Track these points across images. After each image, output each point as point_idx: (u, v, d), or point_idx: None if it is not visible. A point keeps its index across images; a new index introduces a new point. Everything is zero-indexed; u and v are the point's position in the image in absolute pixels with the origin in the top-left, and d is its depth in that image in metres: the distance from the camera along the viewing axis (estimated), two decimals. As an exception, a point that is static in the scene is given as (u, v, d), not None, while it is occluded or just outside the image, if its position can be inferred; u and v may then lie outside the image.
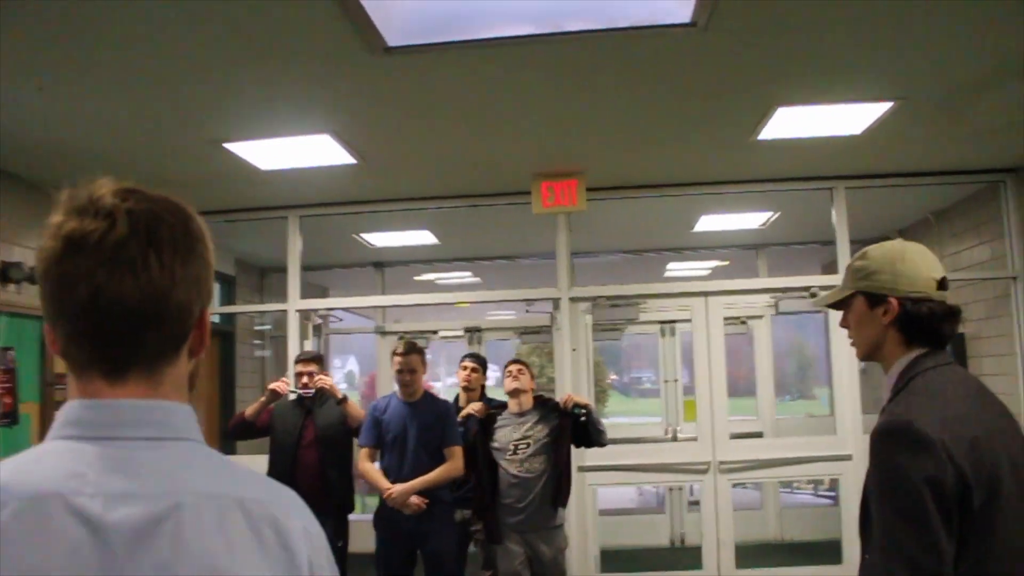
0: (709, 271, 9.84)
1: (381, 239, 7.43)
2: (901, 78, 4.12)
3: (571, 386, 5.79)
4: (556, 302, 6.15)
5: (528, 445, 4.53)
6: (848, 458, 5.79)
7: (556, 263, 6.13)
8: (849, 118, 4.65)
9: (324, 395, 4.91)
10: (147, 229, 0.89)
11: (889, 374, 1.83)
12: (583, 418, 4.49)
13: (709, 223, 7.25)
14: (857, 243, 6.97)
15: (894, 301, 1.80)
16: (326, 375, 5.01)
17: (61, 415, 0.90)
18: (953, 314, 1.81)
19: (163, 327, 0.91)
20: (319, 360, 5.03)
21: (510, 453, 4.56)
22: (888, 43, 3.68)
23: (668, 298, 6.22)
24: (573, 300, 6.06)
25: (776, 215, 7.02)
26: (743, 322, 8.33)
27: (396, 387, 4.72)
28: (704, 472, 5.85)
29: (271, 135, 4.67)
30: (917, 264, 1.83)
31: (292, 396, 4.90)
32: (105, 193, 0.90)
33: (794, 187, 6.02)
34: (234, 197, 5.99)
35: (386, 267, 8.40)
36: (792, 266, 8.57)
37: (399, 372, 4.61)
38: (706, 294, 6.07)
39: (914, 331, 1.80)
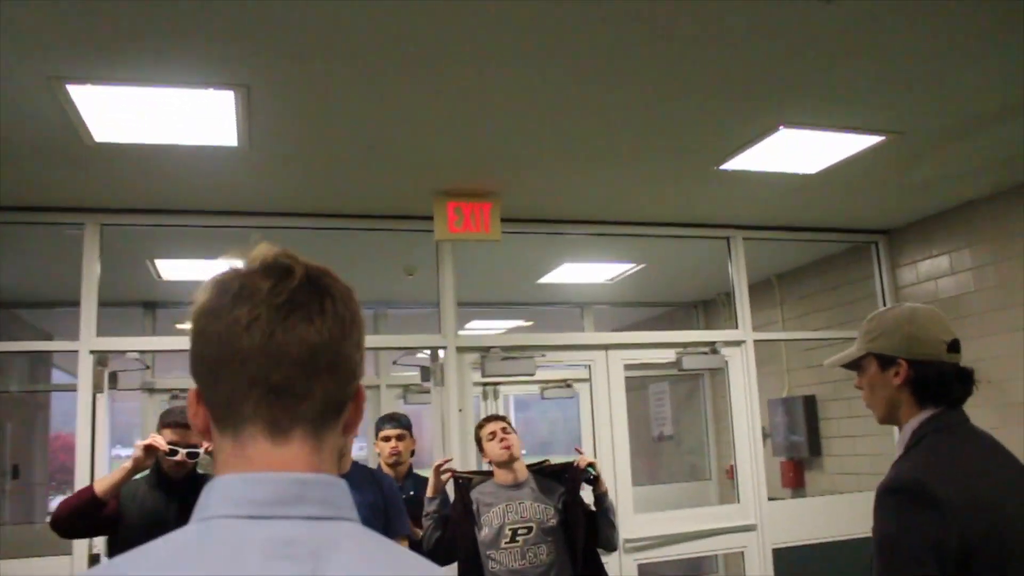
0: (505, 331, 9.18)
1: (178, 268, 5.78)
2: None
3: (459, 457, 4.71)
4: (435, 352, 5.06)
5: (530, 529, 3.42)
6: (752, 528, 5.32)
7: (440, 304, 5.07)
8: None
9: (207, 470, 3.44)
10: (320, 280, 0.88)
11: (902, 433, 1.87)
12: (593, 483, 3.51)
13: (561, 274, 6.60)
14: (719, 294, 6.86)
15: (904, 364, 1.85)
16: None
17: (218, 490, 0.83)
18: (965, 375, 1.86)
19: (332, 378, 0.86)
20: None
21: (507, 541, 3.42)
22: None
23: (568, 351, 5.40)
24: (461, 350, 5.01)
25: (638, 267, 6.56)
26: (568, 385, 7.75)
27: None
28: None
29: (138, 80, 3.18)
30: (927, 327, 1.88)
31: (174, 456, 3.29)
32: (271, 253, 0.88)
33: (693, 233, 5.57)
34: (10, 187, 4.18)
35: (164, 308, 6.61)
36: (616, 325, 8.21)
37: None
38: (607, 347, 5.35)
39: (925, 393, 1.85)
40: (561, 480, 3.58)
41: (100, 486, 3.13)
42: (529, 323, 8.51)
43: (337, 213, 4.92)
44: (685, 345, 5.45)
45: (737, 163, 4.34)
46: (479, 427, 3.73)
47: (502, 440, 3.57)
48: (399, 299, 6.94)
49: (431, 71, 3.18)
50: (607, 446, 5.19)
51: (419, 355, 5.50)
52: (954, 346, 1.87)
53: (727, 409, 5.41)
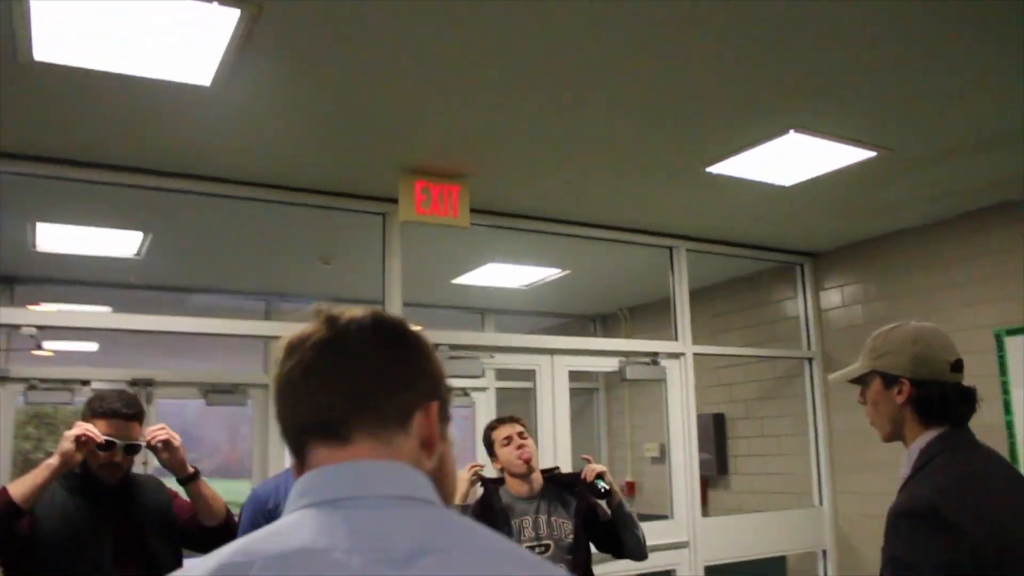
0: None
1: (61, 236, 4.90)
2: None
3: None
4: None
5: (548, 548, 3.02)
6: (685, 545, 5.17)
7: (385, 296, 4.58)
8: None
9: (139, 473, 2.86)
10: (361, 326, 0.98)
11: (909, 452, 1.89)
12: (605, 497, 3.16)
13: (480, 275, 6.24)
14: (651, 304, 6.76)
15: (908, 383, 1.88)
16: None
17: (296, 489, 0.92)
18: (968, 395, 1.88)
19: (371, 395, 0.95)
20: (139, 414, 2.70)
21: None
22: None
23: (515, 353, 5.01)
24: (407, 347, 4.53)
25: (562, 274, 6.31)
26: (465, 393, 7.34)
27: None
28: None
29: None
30: (931, 347, 1.90)
31: (108, 450, 2.61)
32: (340, 313, 0.99)
33: (637, 239, 5.38)
34: None
35: (27, 284, 5.61)
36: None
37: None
38: (552, 351, 5.04)
39: (929, 412, 1.87)
40: (572, 491, 3.23)
41: (17, 490, 2.42)
42: (418, 328, 8.04)
43: (282, 184, 4.33)
44: (627, 354, 5.25)
45: (726, 167, 4.19)
46: (491, 428, 3.30)
47: (520, 447, 3.17)
48: (305, 291, 6.33)
49: (415, 36, 2.87)
50: (550, 454, 4.87)
51: None
52: (957, 366, 1.90)
53: (625, 425, 5.28)
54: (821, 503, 5.77)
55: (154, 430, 2.68)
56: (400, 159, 4.06)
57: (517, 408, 8.37)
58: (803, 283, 6.04)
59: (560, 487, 3.24)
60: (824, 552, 5.73)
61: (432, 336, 3.89)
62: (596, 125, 3.71)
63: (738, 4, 2.71)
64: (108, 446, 2.55)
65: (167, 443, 2.67)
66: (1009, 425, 4.75)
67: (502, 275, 6.28)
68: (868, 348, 2.03)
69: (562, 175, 4.35)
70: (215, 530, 2.71)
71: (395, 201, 4.51)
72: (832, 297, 5.95)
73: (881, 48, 3.06)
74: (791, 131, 3.77)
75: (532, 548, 3.01)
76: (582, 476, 3.24)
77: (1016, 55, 3.12)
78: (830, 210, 5.02)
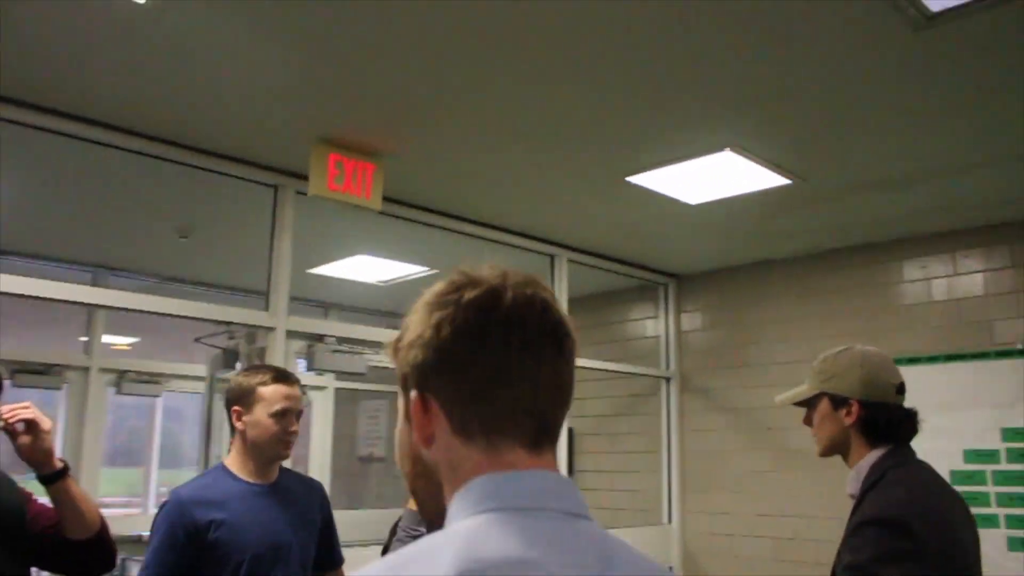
0: (129, 346, 7.99)
1: None
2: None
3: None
4: (253, 335, 4.07)
5: None
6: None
7: (271, 273, 4.10)
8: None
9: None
10: (562, 316, 0.93)
11: (856, 468, 1.98)
12: None
13: (341, 267, 5.83)
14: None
15: (855, 405, 1.97)
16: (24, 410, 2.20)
17: (476, 489, 0.86)
18: (911, 416, 2.00)
19: (567, 406, 0.94)
20: None
21: None
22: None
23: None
24: (292, 335, 4.09)
25: (428, 273, 6.01)
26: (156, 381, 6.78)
27: (236, 452, 2.45)
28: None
29: None
30: (878, 371, 2.01)
31: None
32: (526, 278, 0.93)
33: (521, 243, 5.23)
34: None
35: None
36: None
37: (280, 415, 2.40)
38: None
39: (876, 432, 1.97)
40: None
41: None
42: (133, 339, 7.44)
43: (174, 141, 3.76)
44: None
45: (647, 178, 4.15)
46: None
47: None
48: (147, 267, 5.59)
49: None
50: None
51: (219, 337, 4.36)
52: (901, 388, 2.01)
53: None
54: (670, 521, 5.87)
55: (13, 407, 2.03)
56: (310, 127, 3.65)
57: (347, 411, 7.92)
58: (666, 303, 6.16)
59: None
60: (671, 568, 5.82)
61: (308, 326, 3.50)
62: (528, 117, 3.52)
63: (692, 8, 2.64)
64: None
65: (32, 425, 2.00)
66: (860, 451, 5.05)
67: (364, 269, 5.90)
68: (816, 371, 2.10)
69: (474, 167, 4.11)
70: (83, 545, 2.09)
71: (291, 173, 4.13)
72: (692, 319, 6.11)
73: (809, 76, 3.12)
74: (727, 149, 3.79)
75: None
76: None
77: (935, 99, 3.30)
78: (716, 233, 5.13)
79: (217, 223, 4.98)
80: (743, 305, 5.80)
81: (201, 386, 6.28)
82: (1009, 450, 4.52)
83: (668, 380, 6.05)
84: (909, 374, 5.57)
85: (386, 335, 4.65)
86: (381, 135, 3.76)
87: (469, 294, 0.90)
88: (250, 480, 2.42)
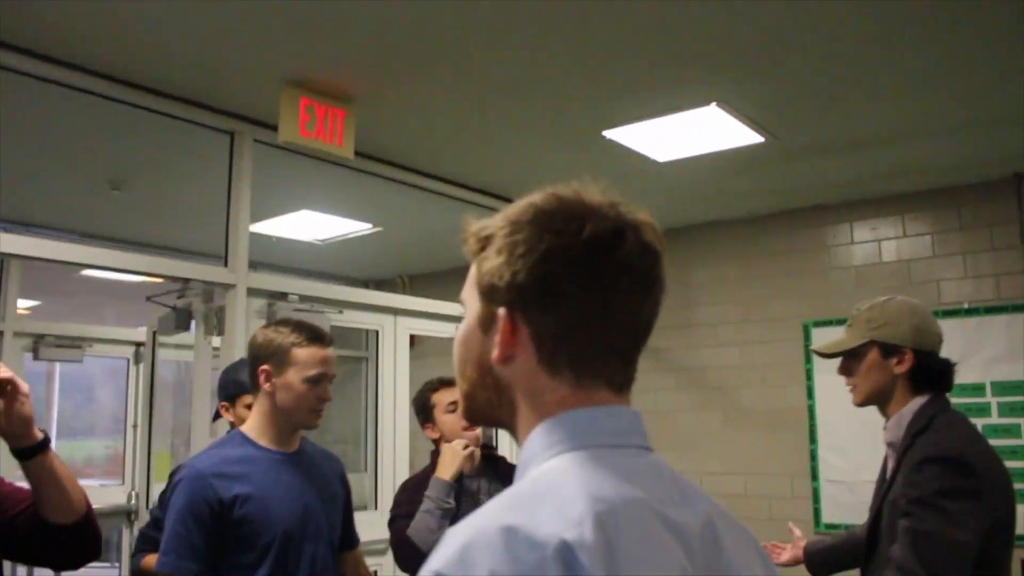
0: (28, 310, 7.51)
1: None
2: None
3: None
4: (211, 292, 3.78)
5: None
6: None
7: (230, 227, 3.83)
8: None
9: None
10: (660, 255, 0.91)
11: (898, 416, 2.01)
12: None
13: (280, 224, 5.52)
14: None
15: (910, 353, 1.99)
16: None
17: (568, 425, 0.86)
18: (952, 367, 2.06)
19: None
20: None
21: None
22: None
23: (361, 310, 4.40)
24: (252, 293, 3.83)
25: (371, 231, 5.77)
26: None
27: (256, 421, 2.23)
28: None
29: None
30: (928, 319, 2.04)
31: None
32: (633, 213, 0.91)
33: (477, 199, 5.06)
34: None
35: None
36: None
37: (314, 381, 2.17)
38: (396, 311, 4.57)
39: (923, 381, 2.00)
40: (499, 475, 2.84)
41: None
42: (158, 280, 6.96)
43: (114, 76, 3.41)
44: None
45: (623, 132, 4.06)
46: (432, 390, 2.82)
47: (460, 416, 2.75)
48: (61, 222, 5.14)
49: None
50: (389, 423, 4.42)
51: (171, 296, 4.01)
52: (942, 339, 2.06)
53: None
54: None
55: None
56: (275, 67, 3.38)
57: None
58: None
59: (496, 469, 2.85)
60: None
61: (270, 283, 3.29)
62: (508, 67, 3.40)
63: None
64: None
65: (8, 386, 1.64)
66: (811, 408, 5.17)
67: (303, 227, 5.61)
68: (862, 320, 2.08)
69: (444, 119, 3.94)
70: (68, 530, 1.74)
71: (248, 119, 3.88)
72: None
73: (800, 32, 3.10)
74: (714, 103, 3.73)
75: None
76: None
77: (918, 62, 3.36)
78: (676, 193, 5.07)
79: (155, 173, 4.61)
80: (691, 266, 5.81)
81: (126, 351, 5.90)
82: (955, 405, 4.68)
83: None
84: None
85: (348, 293, 4.43)
86: (352, 79, 3.52)
87: (591, 229, 0.86)
88: (272, 448, 2.19)
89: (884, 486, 2.08)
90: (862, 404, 2.13)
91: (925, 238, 4.96)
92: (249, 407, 2.72)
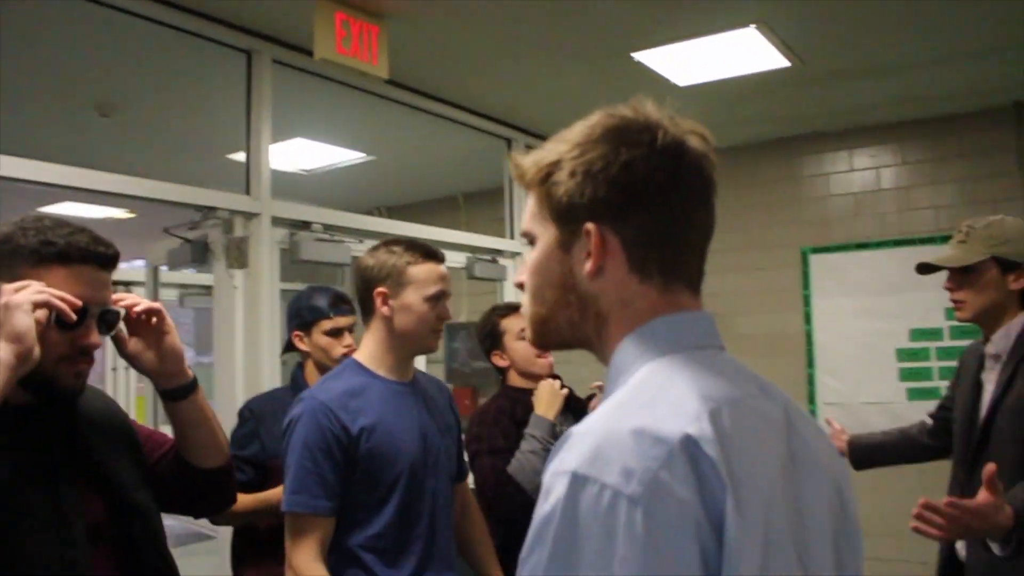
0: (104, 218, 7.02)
1: None
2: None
3: (268, 376, 3.49)
4: (231, 222, 3.58)
5: None
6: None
7: (250, 153, 3.63)
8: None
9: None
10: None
11: (1006, 328, 2.11)
12: None
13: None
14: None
15: None
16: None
17: (662, 330, 0.94)
18: None
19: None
20: (117, 257, 1.49)
21: None
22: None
23: (371, 237, 4.23)
24: (277, 222, 3.65)
25: (364, 160, 5.57)
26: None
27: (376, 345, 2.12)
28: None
29: None
30: None
31: (76, 328, 1.38)
32: (698, 128, 0.98)
33: (476, 123, 4.89)
34: None
35: None
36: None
37: (435, 299, 2.07)
38: (411, 242, 4.43)
39: None
40: (575, 414, 2.80)
41: None
42: (131, 214, 6.60)
43: None
44: (473, 249, 4.82)
45: (653, 55, 3.97)
46: (501, 316, 2.75)
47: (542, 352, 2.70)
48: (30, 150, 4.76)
49: None
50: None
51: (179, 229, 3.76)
52: None
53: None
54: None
55: (133, 298, 1.56)
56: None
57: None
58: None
59: (577, 411, 2.81)
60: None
61: (294, 212, 3.15)
62: None
63: None
64: (80, 318, 1.38)
65: (157, 320, 1.56)
66: (808, 334, 5.27)
67: (291, 156, 5.37)
68: (980, 236, 2.12)
69: (465, 39, 3.77)
70: (212, 475, 1.65)
71: (265, 37, 3.65)
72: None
73: None
74: (752, 26, 3.67)
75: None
76: (590, 406, 2.85)
77: None
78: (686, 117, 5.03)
79: (151, 98, 4.31)
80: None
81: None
82: (951, 327, 4.85)
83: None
84: (859, 259, 5.82)
85: (372, 222, 4.27)
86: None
87: (663, 138, 0.93)
88: (390, 378, 2.09)
89: (997, 393, 2.13)
90: (972, 320, 2.19)
91: (924, 165, 5.06)
92: (327, 334, 2.61)
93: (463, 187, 6.59)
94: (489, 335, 2.81)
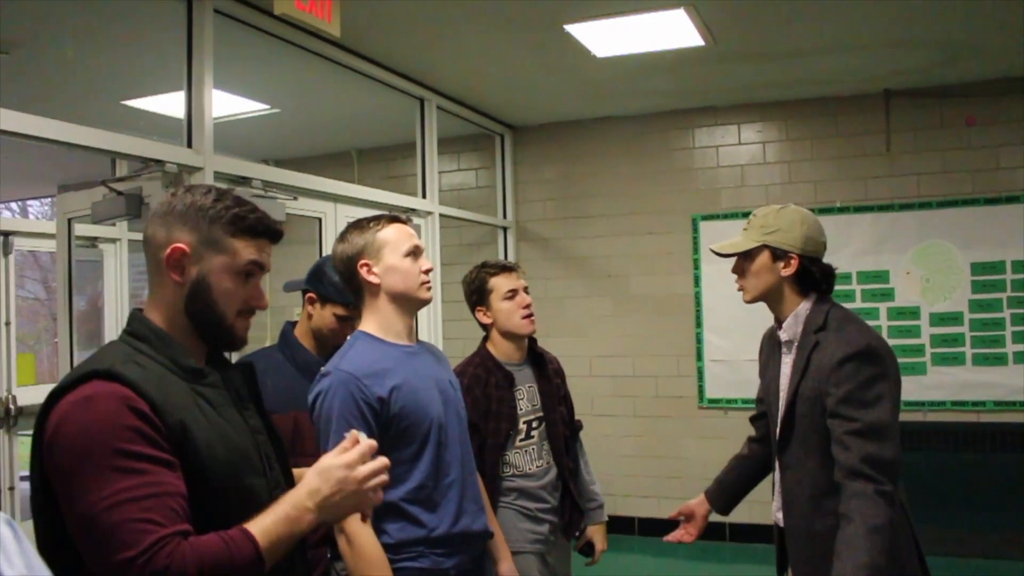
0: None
1: None
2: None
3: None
4: (176, 175, 3.46)
5: (541, 421, 2.84)
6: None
7: (192, 103, 3.51)
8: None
9: None
10: None
11: (793, 315, 2.22)
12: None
13: (168, 101, 5.04)
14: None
15: (796, 259, 2.19)
16: None
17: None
18: (833, 271, 2.28)
19: None
20: (282, 234, 1.62)
21: (522, 438, 2.76)
22: None
23: (307, 197, 4.16)
24: (219, 176, 3.57)
25: (269, 112, 5.42)
26: (94, 245, 5.98)
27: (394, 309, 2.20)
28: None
29: None
30: (816, 228, 2.23)
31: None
32: None
33: (389, 80, 4.87)
34: None
35: None
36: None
37: (412, 254, 2.18)
38: (336, 199, 4.43)
39: (809, 284, 2.23)
40: (545, 368, 2.93)
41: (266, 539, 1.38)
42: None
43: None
44: (406, 210, 4.85)
45: (581, 29, 4.13)
46: (490, 274, 2.80)
47: (528, 307, 2.81)
48: None
49: None
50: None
51: (116, 184, 3.57)
52: (826, 247, 2.26)
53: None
54: (508, 364, 6.13)
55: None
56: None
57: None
58: (503, 153, 6.20)
59: (538, 358, 2.97)
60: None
61: (240, 168, 3.21)
62: None
63: None
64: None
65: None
66: (697, 295, 5.67)
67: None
68: (756, 225, 2.24)
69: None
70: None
71: (206, -18, 3.49)
72: (530, 171, 6.23)
73: None
74: (682, 8, 3.90)
75: (529, 422, 2.77)
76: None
77: None
78: (595, 86, 5.21)
79: (58, 34, 4.05)
80: (584, 158, 6.03)
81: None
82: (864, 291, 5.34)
83: (505, 229, 6.18)
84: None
85: (314, 181, 4.21)
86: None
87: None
88: (398, 342, 2.17)
89: (795, 381, 2.20)
90: (751, 301, 2.29)
91: (805, 142, 5.51)
92: (339, 318, 2.60)
93: (357, 143, 6.55)
94: (477, 290, 2.81)
